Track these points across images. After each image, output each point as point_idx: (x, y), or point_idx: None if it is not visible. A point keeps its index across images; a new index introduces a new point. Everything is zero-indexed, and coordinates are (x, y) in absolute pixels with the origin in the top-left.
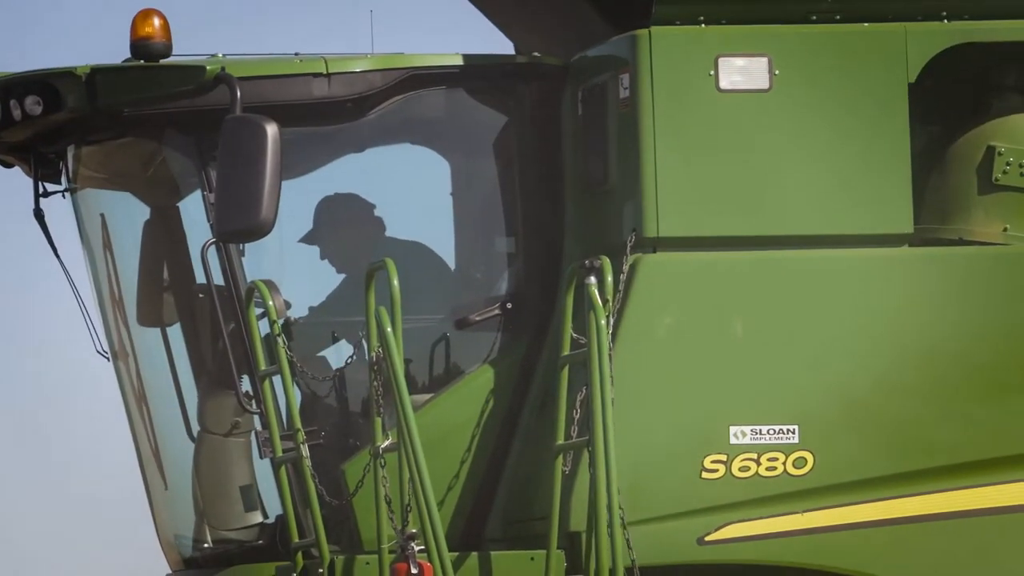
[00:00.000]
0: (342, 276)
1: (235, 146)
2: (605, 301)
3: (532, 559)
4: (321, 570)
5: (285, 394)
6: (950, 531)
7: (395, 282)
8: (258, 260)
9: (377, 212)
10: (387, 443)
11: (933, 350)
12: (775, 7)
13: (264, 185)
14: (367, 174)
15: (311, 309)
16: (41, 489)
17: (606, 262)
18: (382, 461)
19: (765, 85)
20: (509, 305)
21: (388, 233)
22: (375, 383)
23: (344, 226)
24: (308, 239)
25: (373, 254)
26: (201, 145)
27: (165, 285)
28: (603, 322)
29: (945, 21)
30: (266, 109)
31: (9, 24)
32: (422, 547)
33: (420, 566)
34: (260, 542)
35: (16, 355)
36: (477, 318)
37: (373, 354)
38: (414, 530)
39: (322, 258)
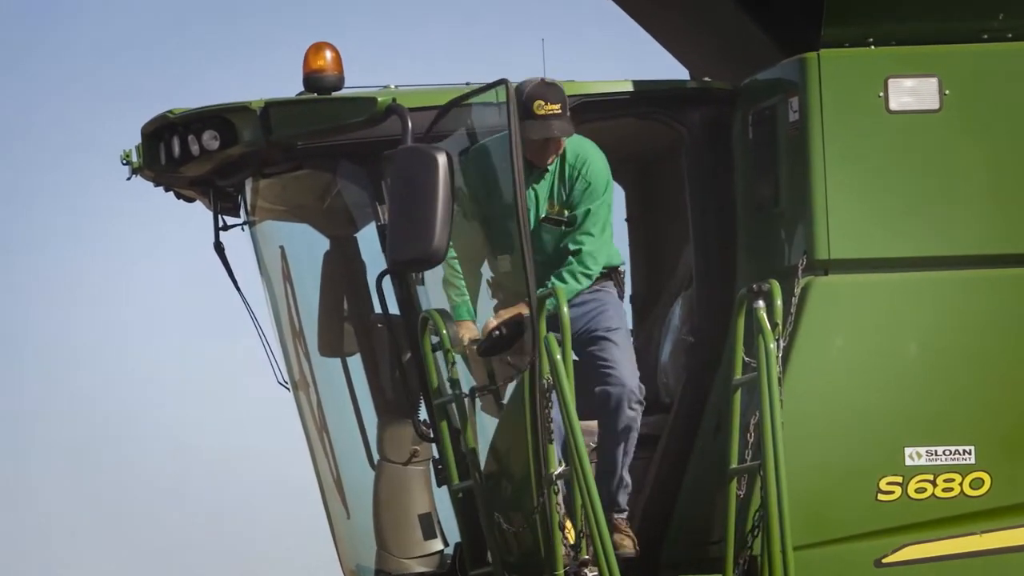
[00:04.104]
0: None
1: (407, 176)
2: (775, 325)
3: None
4: None
5: (460, 423)
6: None
7: (565, 309)
8: (441, 288)
9: None
10: (560, 469)
11: None
12: (945, 27)
13: (436, 214)
14: None
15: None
16: (227, 521)
17: (775, 286)
18: (556, 488)
19: (935, 106)
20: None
21: None
22: (547, 411)
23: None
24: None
25: None
26: (375, 175)
27: (345, 315)
28: (772, 346)
29: None
30: (438, 139)
31: (182, 63)
32: (596, 573)
33: None
34: (440, 570)
35: (198, 389)
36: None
37: (544, 381)
38: (586, 556)
39: None
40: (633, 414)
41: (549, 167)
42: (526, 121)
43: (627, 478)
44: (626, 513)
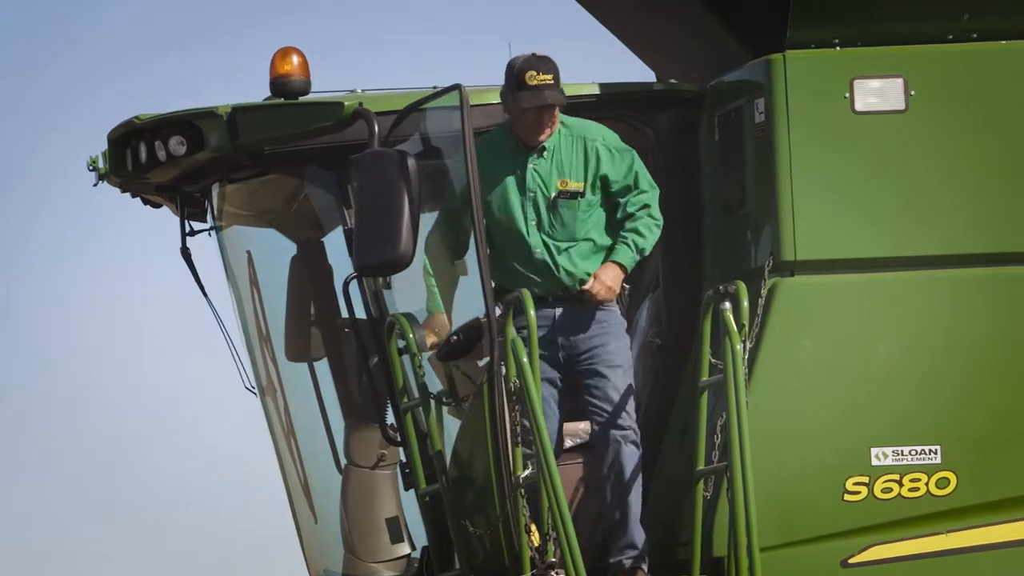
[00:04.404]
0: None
1: (373, 180)
2: (741, 326)
3: None
4: None
5: (427, 427)
6: None
7: (532, 313)
8: (408, 292)
9: None
10: (527, 473)
11: None
12: (911, 28)
13: (402, 218)
14: None
15: None
16: (194, 526)
17: (741, 287)
18: (523, 491)
19: (901, 106)
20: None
21: None
22: (514, 413)
23: None
24: None
25: None
26: (342, 180)
27: (312, 320)
28: (738, 348)
29: None
30: (395, 144)
31: (145, 69)
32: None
33: None
34: (407, 574)
35: (163, 394)
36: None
37: (511, 384)
38: (554, 559)
39: None
40: (630, 453)
41: (546, 144)
42: (519, 92)
43: (633, 513)
44: (645, 564)
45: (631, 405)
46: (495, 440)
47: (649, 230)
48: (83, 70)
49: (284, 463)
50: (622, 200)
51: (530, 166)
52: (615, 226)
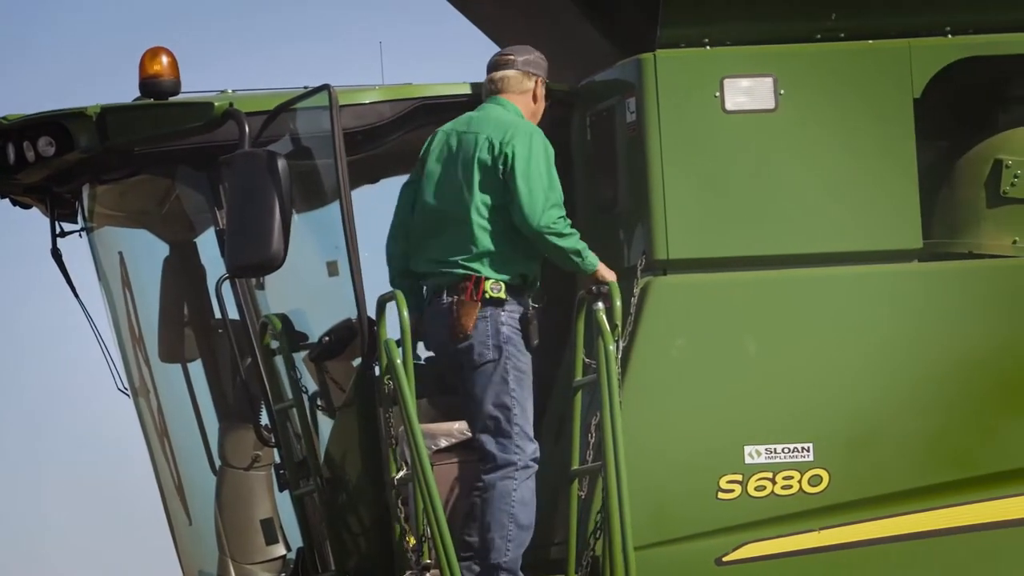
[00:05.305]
0: None
1: (244, 181)
2: (614, 326)
3: None
4: None
5: (302, 427)
6: (968, 544)
7: (404, 313)
8: (280, 293)
9: None
10: (401, 474)
11: (945, 364)
12: (780, 27)
13: (274, 219)
14: (383, 204)
15: None
16: (67, 528)
17: (614, 286)
18: (397, 492)
19: (771, 105)
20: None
21: None
22: (388, 415)
23: None
24: None
25: None
26: (213, 180)
27: (185, 321)
28: (612, 347)
29: (949, 36)
30: (276, 143)
31: (18, 65)
32: None
33: None
34: (283, 575)
35: (36, 395)
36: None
37: (384, 386)
38: (428, 560)
39: None
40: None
41: None
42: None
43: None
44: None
45: None
46: (367, 442)
47: None
48: None
49: (158, 464)
50: None
51: None
52: None
